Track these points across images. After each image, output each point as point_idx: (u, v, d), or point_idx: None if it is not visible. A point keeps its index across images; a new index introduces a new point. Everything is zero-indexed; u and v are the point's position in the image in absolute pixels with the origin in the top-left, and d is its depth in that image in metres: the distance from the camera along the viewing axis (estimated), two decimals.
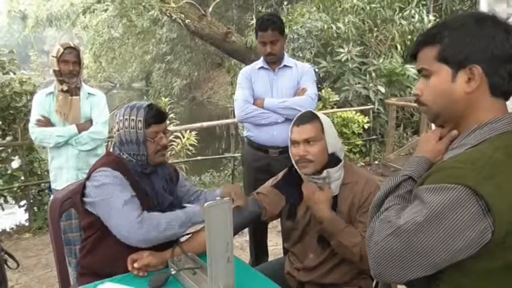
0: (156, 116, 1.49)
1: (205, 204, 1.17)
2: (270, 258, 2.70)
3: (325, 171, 1.47)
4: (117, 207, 1.39)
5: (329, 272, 1.53)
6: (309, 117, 1.52)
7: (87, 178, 1.48)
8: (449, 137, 0.97)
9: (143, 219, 1.39)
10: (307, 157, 1.47)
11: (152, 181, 1.54)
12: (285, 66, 2.41)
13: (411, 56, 0.97)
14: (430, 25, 6.40)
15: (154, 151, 1.50)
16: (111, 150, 1.58)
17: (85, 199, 1.47)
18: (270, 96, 2.37)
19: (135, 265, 1.41)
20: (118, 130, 1.50)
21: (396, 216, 0.84)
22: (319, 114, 1.54)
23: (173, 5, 7.16)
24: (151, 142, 1.49)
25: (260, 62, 2.44)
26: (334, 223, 1.44)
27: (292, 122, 1.56)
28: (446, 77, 0.89)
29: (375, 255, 0.84)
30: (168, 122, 1.57)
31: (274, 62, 2.39)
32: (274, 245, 3.11)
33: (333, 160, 1.48)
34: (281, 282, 1.47)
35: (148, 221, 1.39)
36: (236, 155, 5.02)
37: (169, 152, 5.60)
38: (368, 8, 6.46)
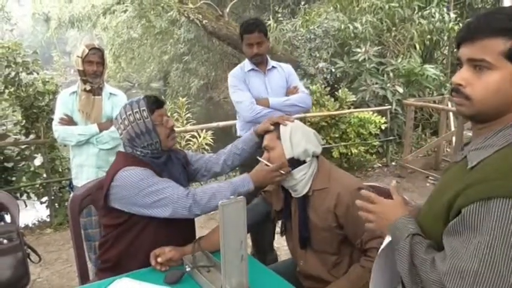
0: (156, 102, 1.56)
1: (220, 203, 1.20)
2: (284, 257, 2.71)
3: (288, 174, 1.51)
4: (155, 189, 1.45)
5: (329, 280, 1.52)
6: (272, 128, 1.59)
7: (111, 179, 1.49)
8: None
9: (189, 194, 1.46)
10: (267, 164, 1.54)
11: (170, 170, 1.60)
12: (272, 67, 2.55)
13: (464, 39, 0.87)
14: (451, 24, 6.29)
15: (166, 135, 1.56)
16: (129, 150, 1.59)
17: (113, 196, 1.49)
18: (266, 95, 2.49)
19: (159, 260, 1.46)
20: (124, 129, 1.53)
21: (461, 261, 0.78)
22: (284, 121, 1.57)
23: (191, 5, 7.23)
24: (161, 125, 1.54)
25: (248, 65, 2.53)
26: None
27: None
28: (508, 77, 0.83)
29: None
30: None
31: (260, 62, 2.50)
32: None
33: (294, 164, 1.50)
34: (294, 280, 1.49)
35: (201, 194, 1.47)
36: None
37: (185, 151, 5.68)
38: (386, 7, 6.38)
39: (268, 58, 2.57)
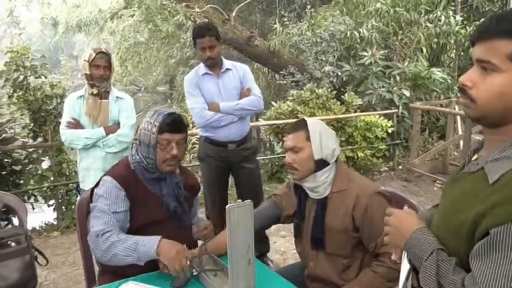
0: (171, 125, 1.51)
1: (227, 206, 1.19)
2: (291, 261, 2.70)
3: (311, 176, 1.49)
4: (92, 214, 1.51)
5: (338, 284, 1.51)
6: (296, 126, 1.54)
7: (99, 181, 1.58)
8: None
9: (99, 236, 1.43)
10: (293, 165, 1.51)
11: (160, 186, 1.58)
12: (226, 69, 2.62)
13: (475, 39, 0.85)
14: (458, 27, 6.26)
15: (162, 159, 1.53)
16: (133, 151, 1.64)
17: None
18: (219, 99, 2.58)
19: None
20: (140, 130, 1.57)
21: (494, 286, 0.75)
22: (310, 120, 1.54)
23: (197, 9, 7.26)
24: (162, 150, 1.51)
25: (202, 69, 2.63)
26: None
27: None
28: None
29: None
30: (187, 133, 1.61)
31: (214, 65, 2.58)
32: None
33: (320, 165, 1.48)
34: (301, 284, 1.48)
35: (104, 241, 1.42)
36: (259, 158, 5.03)
37: (192, 155, 5.67)
38: (392, 11, 6.36)
39: (224, 60, 2.64)
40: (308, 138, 1.49)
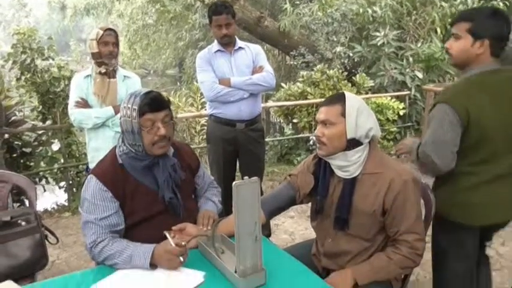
0: (150, 104, 1.39)
1: (234, 183, 1.17)
2: (298, 241, 2.69)
3: (340, 154, 1.42)
4: (82, 223, 1.47)
5: (351, 262, 1.48)
6: (333, 99, 1.45)
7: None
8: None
9: (93, 248, 1.41)
10: (321, 139, 1.43)
11: (154, 174, 1.48)
12: (239, 48, 2.62)
13: (451, 24, 1.55)
14: (474, 6, 6.06)
15: (151, 142, 1.42)
16: (119, 141, 1.51)
17: None
18: (231, 75, 2.55)
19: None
20: (120, 118, 1.45)
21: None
22: (351, 96, 1.44)
23: None
24: (148, 131, 1.40)
25: (216, 46, 2.61)
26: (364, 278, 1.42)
27: None
28: (468, 43, 1.50)
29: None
30: (171, 109, 1.48)
31: (228, 43, 2.57)
32: (304, 229, 3.10)
33: (352, 146, 1.41)
34: (308, 263, 1.47)
35: (99, 253, 1.40)
36: (268, 139, 5.01)
37: (200, 137, 5.67)
38: None
39: (237, 39, 2.64)
40: (343, 114, 1.40)
